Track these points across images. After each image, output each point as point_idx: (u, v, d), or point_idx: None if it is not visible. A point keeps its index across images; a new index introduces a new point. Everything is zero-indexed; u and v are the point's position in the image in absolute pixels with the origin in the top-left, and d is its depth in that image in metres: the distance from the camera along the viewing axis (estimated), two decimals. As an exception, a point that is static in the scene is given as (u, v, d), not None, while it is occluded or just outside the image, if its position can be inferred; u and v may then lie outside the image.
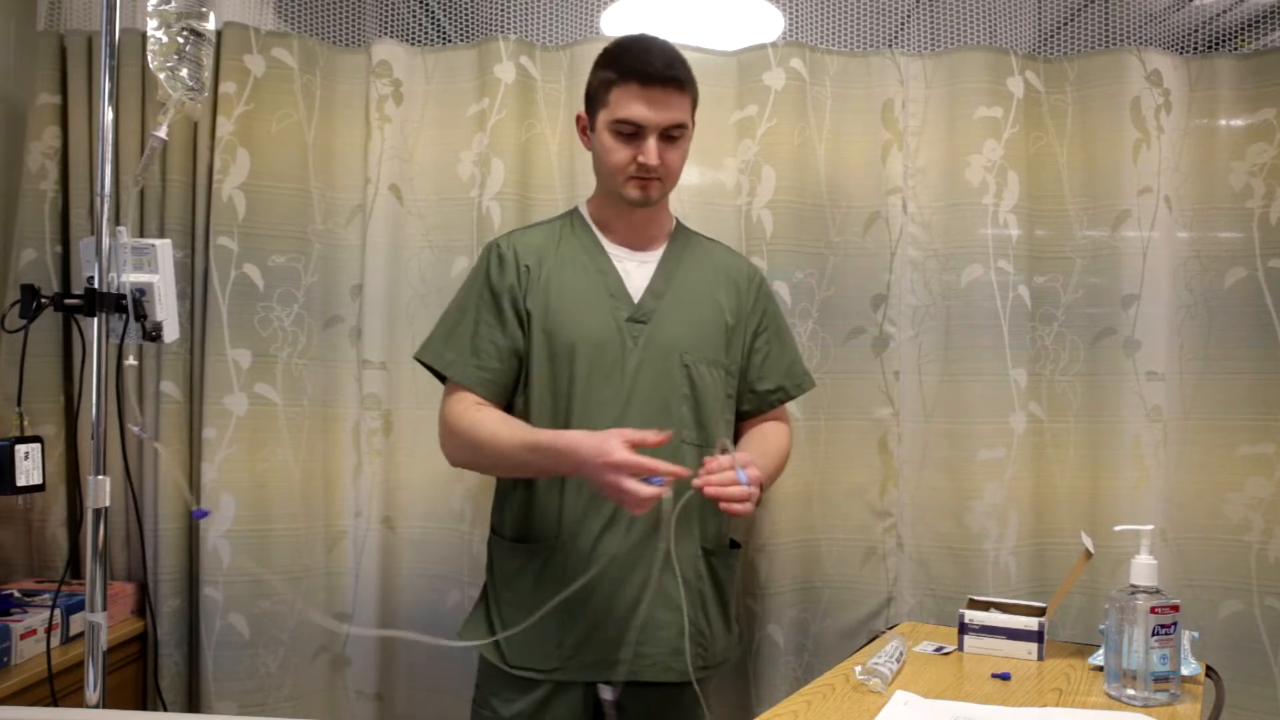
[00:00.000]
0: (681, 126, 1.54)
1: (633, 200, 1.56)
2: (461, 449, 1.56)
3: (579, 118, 1.63)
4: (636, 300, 1.59)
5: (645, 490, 1.31)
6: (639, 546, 1.53)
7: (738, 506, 1.37)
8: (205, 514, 1.87)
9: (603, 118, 1.54)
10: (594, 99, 1.57)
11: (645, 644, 1.52)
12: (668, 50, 1.54)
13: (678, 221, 1.72)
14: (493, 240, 1.66)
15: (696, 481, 1.37)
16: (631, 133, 1.52)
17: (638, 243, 1.64)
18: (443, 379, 1.62)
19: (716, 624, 1.63)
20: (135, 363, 1.71)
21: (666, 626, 1.53)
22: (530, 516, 1.58)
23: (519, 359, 1.59)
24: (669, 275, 1.62)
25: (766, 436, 1.68)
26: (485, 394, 1.57)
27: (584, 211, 1.68)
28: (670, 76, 1.51)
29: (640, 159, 1.51)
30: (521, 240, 1.64)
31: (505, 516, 1.63)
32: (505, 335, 1.58)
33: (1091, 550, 1.62)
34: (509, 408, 1.59)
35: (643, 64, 1.51)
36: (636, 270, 1.61)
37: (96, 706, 1.41)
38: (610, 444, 1.34)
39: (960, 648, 1.64)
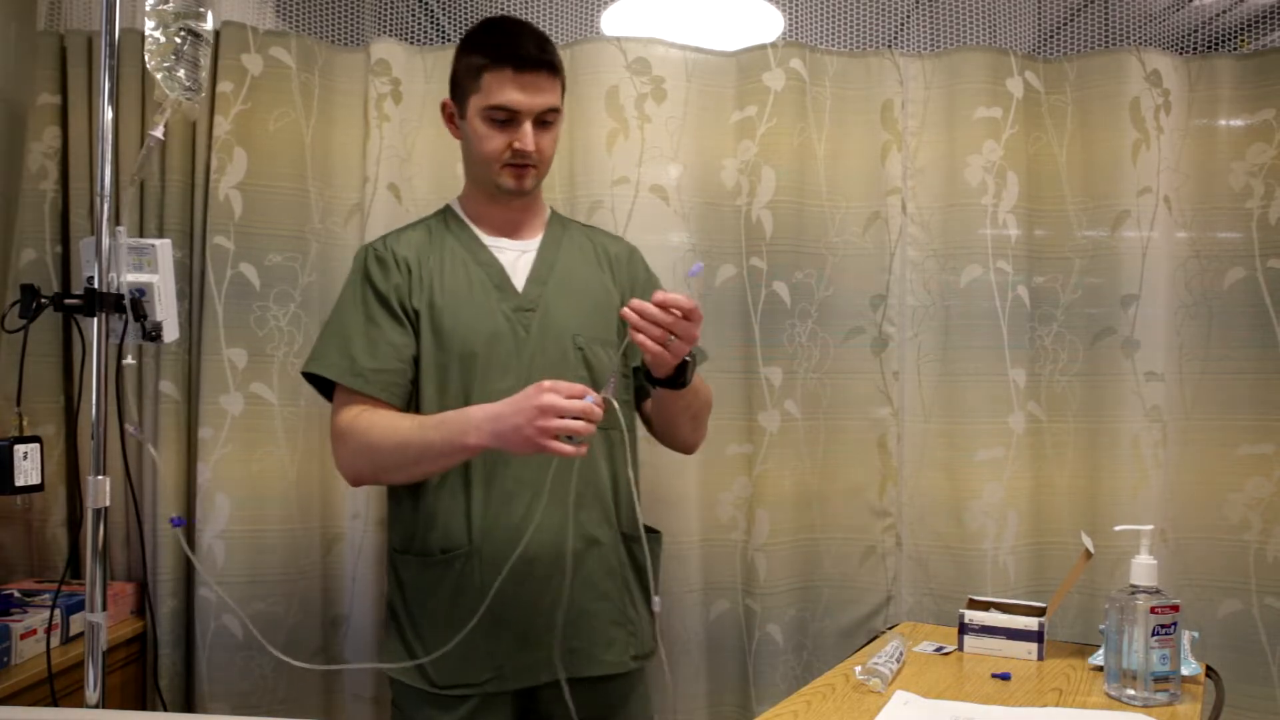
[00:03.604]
0: (555, 111, 1.51)
1: (508, 189, 1.53)
2: (358, 455, 1.46)
3: (444, 105, 1.58)
4: (521, 289, 1.56)
5: (575, 423, 1.27)
6: (558, 542, 1.48)
7: (651, 329, 1.33)
8: (181, 523, 1.86)
9: (474, 104, 1.50)
10: (462, 85, 1.52)
11: (575, 638, 1.49)
12: (538, 33, 1.52)
13: (552, 209, 1.69)
14: (365, 244, 1.60)
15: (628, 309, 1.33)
16: (505, 119, 1.49)
17: (515, 233, 1.61)
18: (330, 393, 1.54)
19: (642, 610, 1.60)
20: (133, 362, 1.71)
21: (595, 616, 1.51)
22: (434, 527, 1.50)
23: (416, 360, 1.52)
24: (550, 261, 1.59)
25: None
26: (387, 397, 1.48)
27: (456, 208, 1.64)
28: (543, 60, 1.48)
29: (516, 145, 1.49)
30: (397, 241, 1.58)
31: (407, 530, 1.54)
32: (402, 335, 1.51)
33: (1091, 550, 1.62)
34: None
35: (516, 48, 1.48)
36: (518, 260, 1.58)
37: (96, 706, 1.41)
38: (532, 389, 1.31)
39: (960, 648, 1.64)
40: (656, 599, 1.19)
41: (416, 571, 1.52)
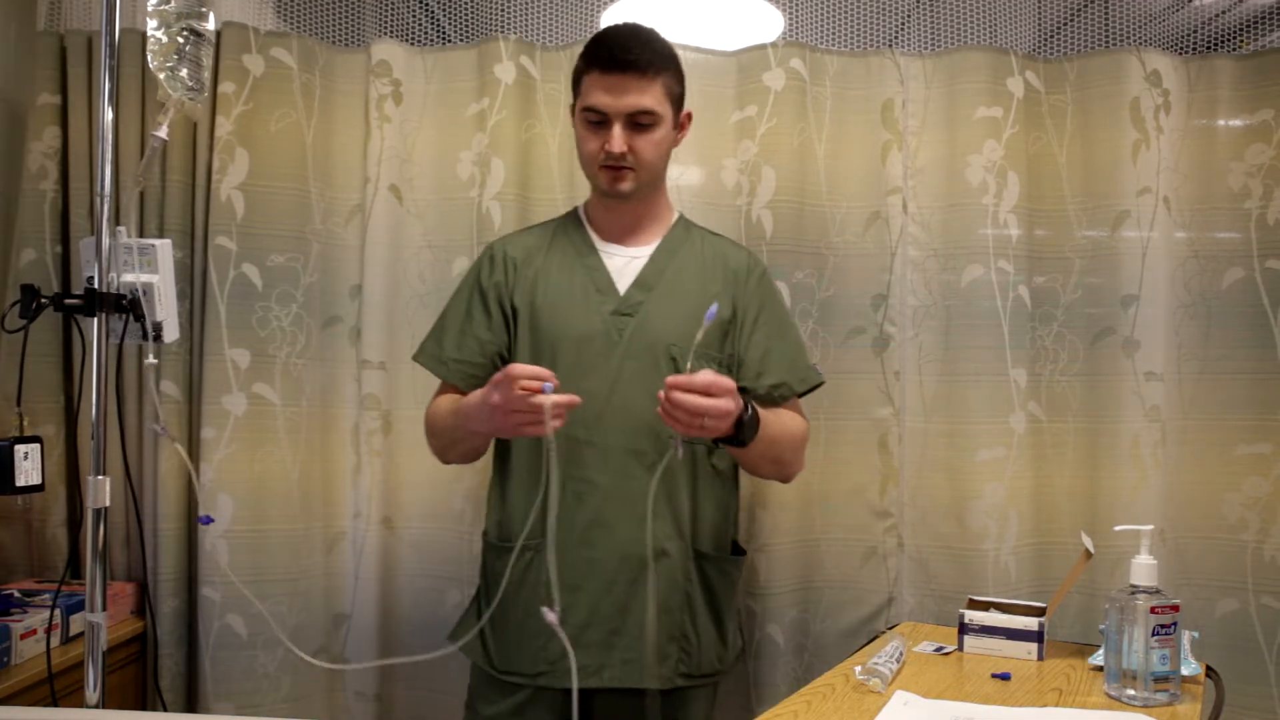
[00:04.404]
0: (648, 114, 1.50)
1: (604, 191, 1.56)
2: (429, 436, 1.62)
3: (571, 110, 1.63)
4: (623, 294, 1.58)
5: (536, 399, 1.28)
6: (625, 549, 1.51)
7: (680, 414, 1.29)
8: (210, 520, 1.87)
9: (577, 107, 1.56)
10: (574, 90, 1.58)
11: (628, 648, 1.51)
12: (637, 36, 1.52)
13: (681, 216, 1.70)
14: (492, 241, 1.69)
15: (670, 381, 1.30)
16: (598, 121, 1.51)
17: (629, 237, 1.62)
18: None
19: (706, 631, 1.58)
20: (156, 361, 1.69)
21: (652, 631, 1.51)
22: (513, 518, 1.58)
23: (503, 356, 1.59)
24: (660, 268, 1.60)
25: (778, 412, 1.59)
26: (466, 387, 1.57)
27: (580, 211, 1.68)
28: (627, 61, 1.48)
29: (606, 147, 1.51)
30: (515, 240, 1.68)
31: (494, 518, 1.63)
32: (490, 331, 1.59)
33: (1091, 550, 1.62)
34: None
35: (603, 50, 1.50)
36: (626, 265, 1.60)
37: (96, 706, 1.41)
38: (498, 376, 1.33)
39: (960, 648, 1.64)
40: (551, 613, 1.14)
41: (494, 558, 1.61)
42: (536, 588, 1.52)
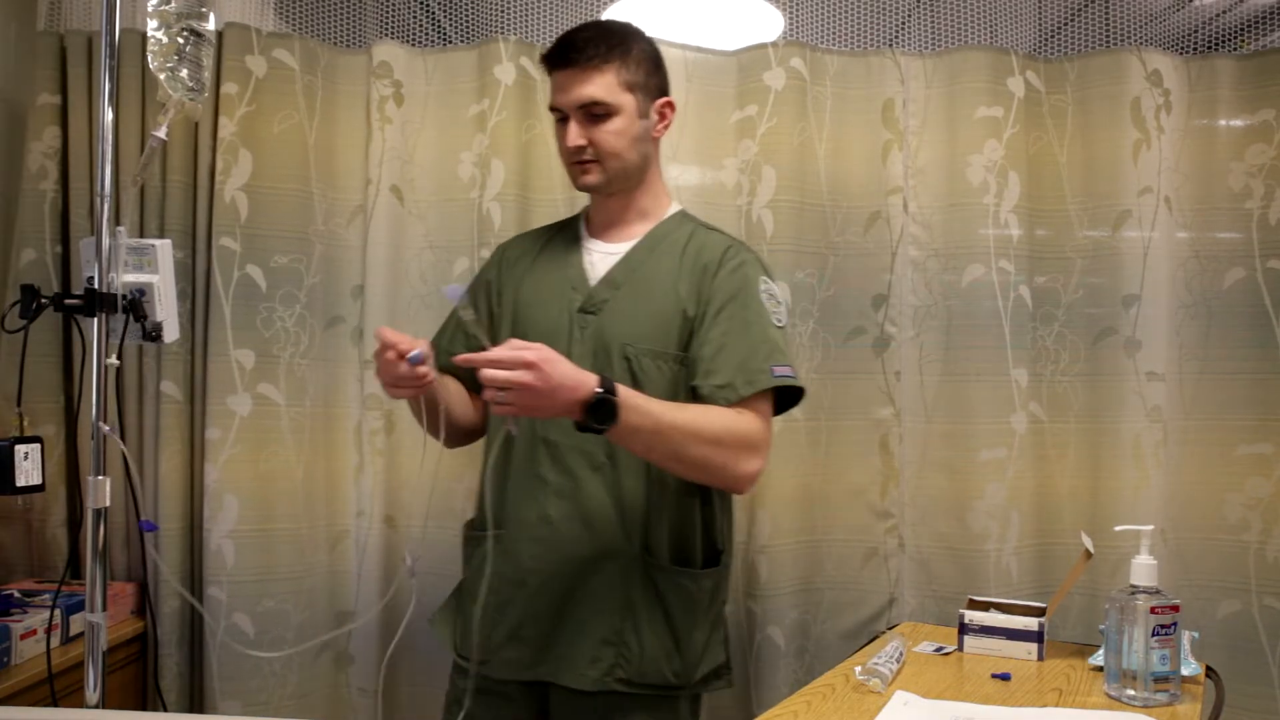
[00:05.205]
0: (599, 104, 1.48)
1: (576, 186, 1.57)
2: None
3: None
4: (591, 290, 1.56)
5: (401, 367, 1.33)
6: (567, 548, 1.48)
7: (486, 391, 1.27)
8: (153, 528, 1.87)
9: None
10: None
11: (563, 645, 1.49)
12: (585, 30, 1.51)
13: (681, 211, 1.64)
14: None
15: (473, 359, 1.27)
16: (561, 118, 1.53)
17: (614, 232, 1.60)
18: None
19: (652, 641, 1.48)
20: (117, 362, 1.68)
21: (586, 630, 1.48)
22: (478, 507, 1.62)
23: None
24: (634, 265, 1.56)
25: (704, 407, 1.45)
26: (451, 373, 1.58)
27: (585, 209, 1.69)
28: (570, 56, 1.48)
29: (564, 142, 1.52)
30: (518, 238, 1.72)
31: (474, 505, 1.67)
32: (477, 326, 1.56)
33: (1091, 550, 1.62)
34: None
35: (553, 49, 1.51)
36: (602, 261, 1.58)
37: (96, 707, 1.41)
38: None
39: (960, 648, 1.64)
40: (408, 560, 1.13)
41: (463, 544, 1.65)
42: (484, 576, 1.52)
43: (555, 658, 1.49)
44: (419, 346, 1.34)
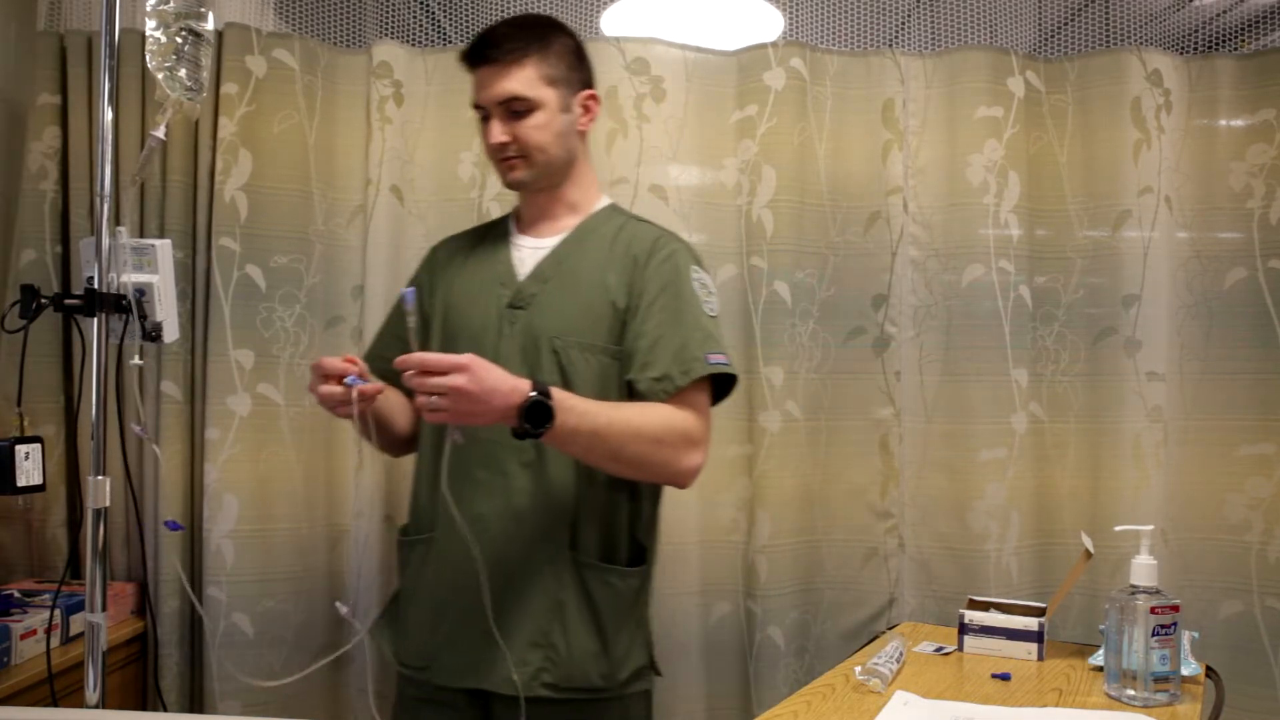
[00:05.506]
0: (518, 99, 1.47)
1: (504, 183, 1.56)
2: None
3: None
4: (519, 286, 1.54)
5: (334, 391, 1.35)
6: (498, 549, 1.45)
7: (422, 398, 1.27)
8: (179, 527, 1.87)
9: None
10: None
11: (495, 649, 1.43)
12: (501, 27, 1.51)
13: (611, 205, 1.63)
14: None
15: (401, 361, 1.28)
16: (484, 117, 1.52)
17: (541, 227, 1.59)
18: None
19: (579, 643, 1.45)
20: (142, 362, 1.69)
21: (514, 633, 1.44)
22: (410, 511, 1.61)
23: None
24: (562, 258, 1.54)
25: (640, 405, 1.45)
26: (385, 381, 1.51)
27: (515, 207, 1.67)
28: (484, 54, 1.48)
29: (487, 139, 1.52)
30: (450, 239, 1.69)
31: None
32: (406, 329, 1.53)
33: (1091, 550, 1.62)
34: None
35: (469, 48, 1.51)
36: (530, 256, 1.56)
37: (96, 707, 1.41)
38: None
39: (960, 648, 1.64)
40: (343, 606, 1.15)
41: (397, 550, 1.63)
42: (419, 581, 1.53)
43: (487, 662, 1.45)
44: (352, 373, 1.35)
